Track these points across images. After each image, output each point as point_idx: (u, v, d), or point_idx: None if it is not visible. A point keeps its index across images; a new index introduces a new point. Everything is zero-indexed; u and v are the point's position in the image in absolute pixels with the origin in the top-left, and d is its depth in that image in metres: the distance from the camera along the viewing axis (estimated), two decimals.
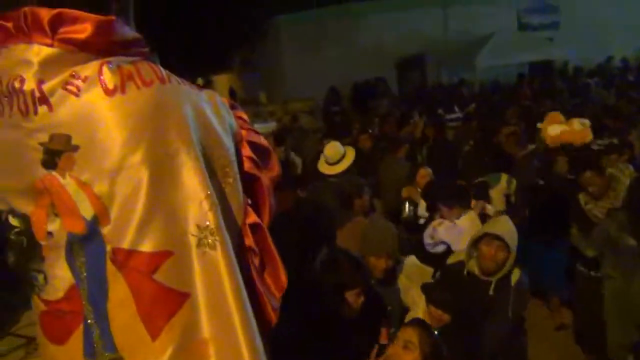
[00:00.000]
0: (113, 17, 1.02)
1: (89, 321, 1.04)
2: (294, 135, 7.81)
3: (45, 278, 1.06)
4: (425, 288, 2.96)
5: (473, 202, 4.04)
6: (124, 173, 0.98)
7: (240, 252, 1.15)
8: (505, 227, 3.16)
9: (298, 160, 6.58)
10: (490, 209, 4.26)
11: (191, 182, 1.03)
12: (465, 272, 3.16)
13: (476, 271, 3.13)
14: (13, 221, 1.08)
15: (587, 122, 4.65)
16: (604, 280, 3.72)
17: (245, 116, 1.32)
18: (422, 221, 4.36)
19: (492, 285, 3.05)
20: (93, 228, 1.01)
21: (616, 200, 3.83)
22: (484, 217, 3.94)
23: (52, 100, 0.98)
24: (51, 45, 0.98)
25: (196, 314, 1.03)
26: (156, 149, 1.00)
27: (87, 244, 1.02)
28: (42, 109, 0.98)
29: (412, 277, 3.35)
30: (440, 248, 3.73)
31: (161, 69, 1.07)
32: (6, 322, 3.91)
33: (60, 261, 1.04)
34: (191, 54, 13.62)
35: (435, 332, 2.48)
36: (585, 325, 4.07)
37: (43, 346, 1.12)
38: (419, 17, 14.66)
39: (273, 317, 1.20)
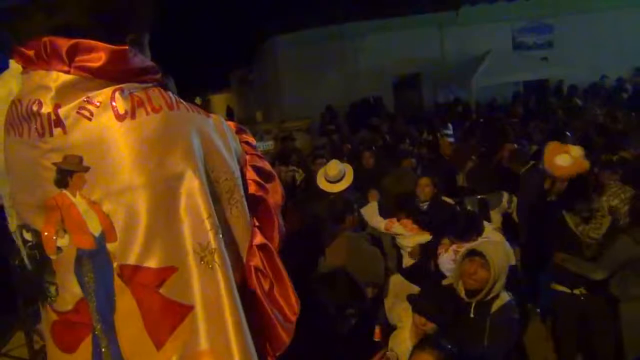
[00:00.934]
0: (126, 47, 1.09)
1: (97, 332, 1.09)
2: (298, 154, 7.85)
3: (57, 290, 1.12)
4: (411, 297, 2.93)
5: (447, 242, 3.94)
6: (131, 193, 1.05)
7: (247, 273, 1.21)
8: (490, 245, 3.09)
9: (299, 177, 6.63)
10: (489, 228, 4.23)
11: (194, 203, 1.09)
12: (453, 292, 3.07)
13: (461, 292, 3.03)
14: (27, 235, 1.14)
15: (580, 149, 4.58)
16: (621, 302, 3.63)
17: (251, 139, 1.39)
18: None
19: (472, 308, 2.95)
20: (101, 244, 1.07)
21: (605, 219, 3.82)
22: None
23: (66, 123, 1.05)
24: (68, 72, 1.05)
25: (198, 326, 1.08)
26: (162, 172, 1.06)
27: (95, 259, 1.08)
28: (57, 131, 1.05)
29: (399, 294, 3.26)
30: None
31: (171, 95, 1.14)
32: None
33: (70, 275, 1.10)
34: (190, 73, 13.73)
35: (449, 346, 2.45)
36: (573, 348, 4.01)
37: (53, 354, 1.17)
38: (416, 38, 14.82)
39: (284, 337, 1.25)
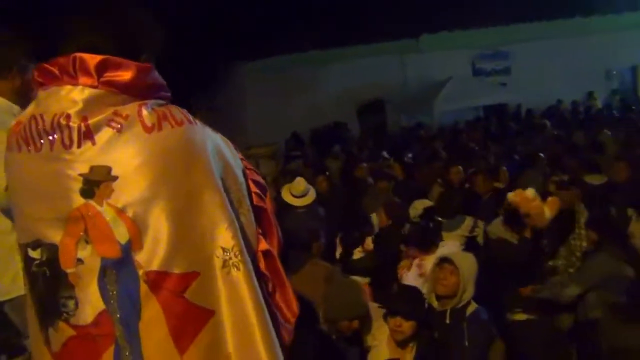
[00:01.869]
0: (150, 65, 1.18)
1: (119, 342, 1.10)
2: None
3: (76, 303, 1.12)
4: (384, 300, 2.98)
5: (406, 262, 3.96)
6: (157, 202, 1.09)
7: (256, 276, 1.25)
8: (460, 254, 3.19)
9: None
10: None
11: (216, 210, 1.15)
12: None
13: (433, 303, 3.15)
14: (32, 254, 1.14)
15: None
16: (600, 323, 3.53)
17: (243, 158, 1.46)
18: None
19: (447, 314, 3.07)
20: (127, 252, 1.10)
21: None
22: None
23: (96, 134, 1.09)
24: (95, 87, 1.10)
25: (221, 330, 1.12)
26: (186, 180, 1.12)
27: (121, 267, 1.10)
28: (86, 142, 1.10)
29: (373, 315, 3.16)
30: None
31: (186, 112, 1.21)
32: None
33: (91, 287, 1.11)
34: None
35: None
36: None
37: None
38: (378, 65, 15.10)
39: (285, 337, 1.30)
